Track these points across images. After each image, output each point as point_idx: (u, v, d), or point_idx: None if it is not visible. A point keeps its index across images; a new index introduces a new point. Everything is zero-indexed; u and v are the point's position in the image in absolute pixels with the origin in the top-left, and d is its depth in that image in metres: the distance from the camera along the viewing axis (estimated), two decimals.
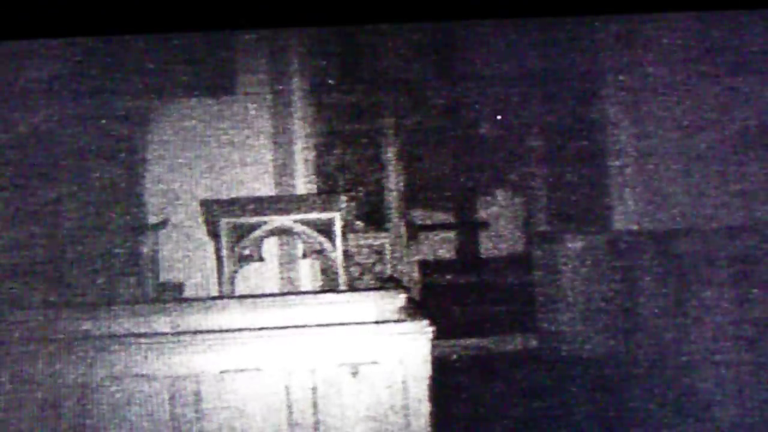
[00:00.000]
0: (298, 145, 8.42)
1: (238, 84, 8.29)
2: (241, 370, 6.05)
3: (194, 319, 6.72)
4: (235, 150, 8.25)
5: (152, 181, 8.15)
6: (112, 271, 7.79)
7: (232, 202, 7.89)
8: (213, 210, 7.77)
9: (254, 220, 7.72)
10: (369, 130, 8.65)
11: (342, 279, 7.77)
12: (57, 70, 7.72)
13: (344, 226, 7.78)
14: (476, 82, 8.53)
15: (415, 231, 8.69)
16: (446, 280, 8.62)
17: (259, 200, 7.99)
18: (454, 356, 7.90)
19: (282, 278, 8.37)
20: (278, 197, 8.22)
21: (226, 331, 6.25)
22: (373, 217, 8.63)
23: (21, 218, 7.55)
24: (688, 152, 8.04)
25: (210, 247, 7.85)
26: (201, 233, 7.97)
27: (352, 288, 7.95)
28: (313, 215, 7.77)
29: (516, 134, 8.57)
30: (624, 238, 8.09)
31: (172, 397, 6.02)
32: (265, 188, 8.32)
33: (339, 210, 7.79)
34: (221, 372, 6.04)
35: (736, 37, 7.83)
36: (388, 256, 8.56)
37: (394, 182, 8.61)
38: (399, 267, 8.56)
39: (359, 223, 8.54)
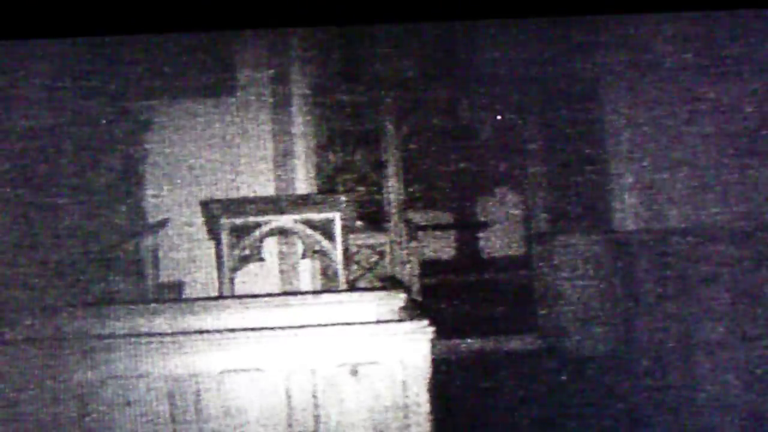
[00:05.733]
0: (298, 145, 8.42)
1: (238, 84, 8.29)
2: (241, 371, 6.06)
3: (194, 319, 6.72)
4: (235, 150, 8.26)
5: (152, 181, 8.15)
6: (112, 271, 7.80)
7: (232, 202, 7.89)
8: (213, 210, 7.77)
9: (254, 220, 7.72)
10: (369, 130, 8.66)
11: (342, 279, 7.77)
12: (57, 70, 7.72)
13: (344, 226, 7.78)
14: (476, 82, 8.54)
15: (415, 231, 8.70)
16: (446, 280, 8.63)
17: (259, 200, 8.00)
18: (454, 356, 7.91)
19: (282, 278, 8.37)
20: (278, 197, 8.23)
21: (226, 331, 6.26)
22: (373, 217, 8.63)
23: (21, 218, 7.55)
24: (688, 152, 8.04)
25: (210, 247, 7.85)
26: (201, 233, 7.97)
27: (352, 288, 7.95)
28: (313, 215, 7.77)
29: (516, 134, 8.57)
30: (624, 238, 8.09)
31: (172, 397, 6.03)
32: (265, 188, 8.32)
33: (339, 210, 7.79)
34: (221, 372, 6.05)
35: (735, 37, 7.83)
36: (388, 256, 8.57)
37: (394, 182, 8.62)
38: (399, 267, 8.56)
39: (359, 223, 8.54)
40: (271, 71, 8.35)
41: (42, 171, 7.70)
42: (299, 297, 7.27)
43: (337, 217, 7.75)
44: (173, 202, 8.14)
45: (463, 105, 8.59)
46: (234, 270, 7.72)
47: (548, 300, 8.13)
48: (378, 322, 6.65)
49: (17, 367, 6.13)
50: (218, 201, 7.88)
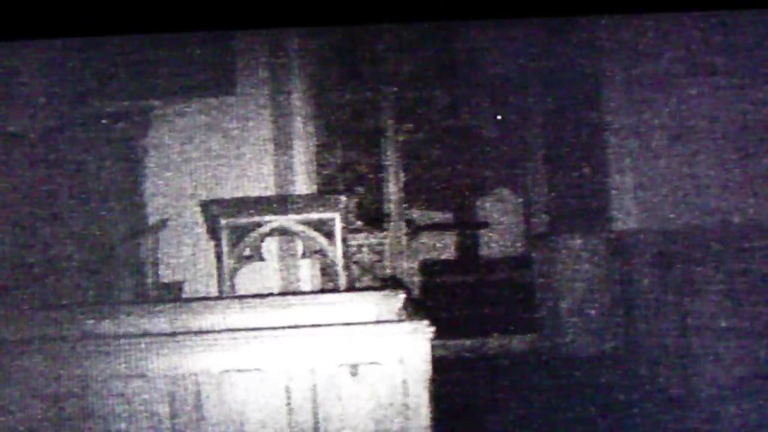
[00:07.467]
0: (298, 145, 8.42)
1: (238, 84, 8.29)
2: (242, 371, 6.06)
3: (194, 319, 6.72)
4: (235, 150, 8.25)
5: (152, 181, 8.15)
6: (112, 271, 7.80)
7: (232, 202, 7.89)
8: (213, 210, 7.77)
9: (254, 220, 7.72)
10: (369, 130, 8.66)
11: (342, 279, 7.77)
12: (57, 70, 7.72)
13: (344, 226, 7.78)
14: (476, 82, 8.54)
15: (415, 231, 8.70)
16: (446, 280, 8.62)
17: (259, 200, 8.00)
18: (454, 356, 7.91)
19: (282, 278, 8.37)
20: (278, 197, 8.23)
21: (226, 331, 6.26)
22: (373, 217, 8.63)
23: (21, 218, 7.55)
24: (687, 152, 8.04)
25: (210, 247, 7.85)
26: (201, 233, 7.97)
27: (352, 288, 7.95)
28: (313, 215, 7.77)
29: (516, 134, 8.57)
30: (624, 238, 8.09)
31: (172, 397, 6.03)
32: (265, 188, 8.32)
33: (339, 210, 7.79)
34: (221, 372, 6.05)
35: (736, 37, 7.83)
36: (388, 256, 8.57)
37: (394, 182, 8.61)
38: (399, 267, 8.56)
39: (359, 223, 8.54)
40: (271, 71, 8.35)
41: (42, 171, 7.70)
42: (299, 297, 7.26)
43: (337, 217, 7.75)
44: (173, 202, 8.14)
45: (463, 105, 8.59)
46: (234, 270, 7.72)
47: (548, 300, 8.13)
48: (378, 322, 6.66)
49: (17, 367, 6.13)
50: (218, 201, 7.87)
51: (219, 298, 7.52)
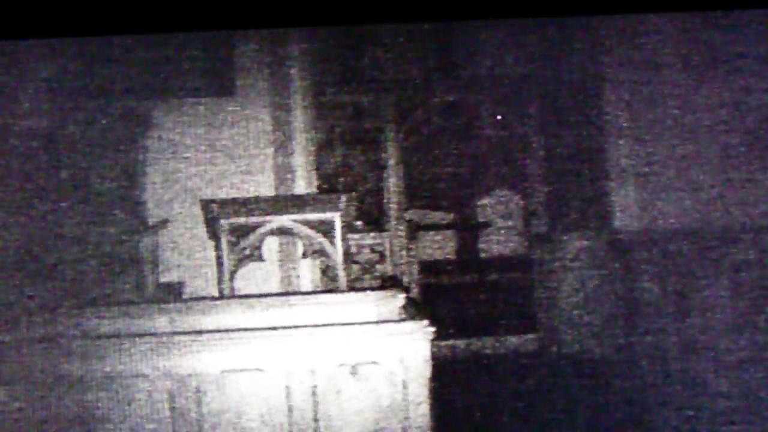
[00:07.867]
0: (298, 145, 8.42)
1: (238, 84, 8.29)
2: (242, 370, 6.06)
3: (194, 319, 6.73)
4: (235, 150, 8.25)
5: (152, 181, 8.15)
6: (112, 271, 7.80)
7: (232, 202, 7.89)
8: (213, 210, 7.77)
9: (254, 220, 7.72)
10: (369, 130, 8.66)
11: (342, 279, 7.77)
12: (57, 70, 7.72)
13: (344, 226, 7.78)
14: (476, 82, 8.54)
15: (415, 231, 8.70)
16: (446, 280, 8.63)
17: (259, 200, 7.99)
18: (454, 356, 7.90)
19: (282, 278, 8.37)
20: (278, 197, 8.22)
21: (226, 331, 6.26)
22: (373, 217, 8.63)
23: (21, 218, 7.55)
24: (688, 152, 8.04)
25: (210, 247, 7.85)
26: (201, 233, 7.97)
27: (352, 288, 7.95)
28: (313, 215, 7.77)
29: (516, 134, 8.57)
30: (624, 238, 8.09)
31: (172, 397, 6.03)
32: (265, 188, 8.32)
33: (339, 210, 7.79)
34: (222, 372, 6.05)
35: (735, 37, 7.83)
36: (388, 256, 8.57)
37: (394, 182, 8.61)
38: (399, 267, 8.56)
39: (359, 223, 8.54)
40: (271, 71, 8.34)
41: (42, 171, 7.70)
42: (299, 297, 7.27)
43: (337, 217, 7.75)
44: (173, 202, 8.13)
45: (463, 105, 8.59)
46: (234, 270, 7.72)
47: (548, 300, 8.13)
48: (378, 322, 6.66)
49: (17, 367, 6.12)
50: (218, 201, 7.87)
51: (219, 298, 7.52)
